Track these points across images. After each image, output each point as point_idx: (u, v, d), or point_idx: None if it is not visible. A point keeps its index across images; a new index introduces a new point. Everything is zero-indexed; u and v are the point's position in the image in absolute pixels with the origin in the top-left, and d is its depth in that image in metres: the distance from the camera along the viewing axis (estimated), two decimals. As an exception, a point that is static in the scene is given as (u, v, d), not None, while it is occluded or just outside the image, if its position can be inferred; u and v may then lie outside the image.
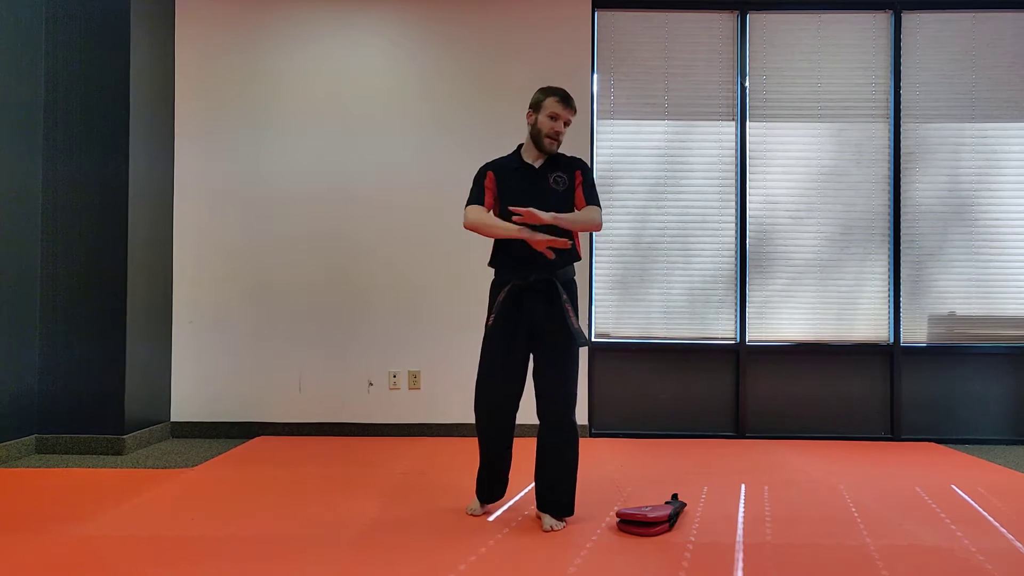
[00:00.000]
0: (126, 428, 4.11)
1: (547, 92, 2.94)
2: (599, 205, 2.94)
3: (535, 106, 2.94)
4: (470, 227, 2.91)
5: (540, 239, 2.74)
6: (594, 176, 4.63)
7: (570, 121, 2.94)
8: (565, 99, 2.91)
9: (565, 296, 2.83)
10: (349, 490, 3.32)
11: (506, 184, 2.94)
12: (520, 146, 3.01)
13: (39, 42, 4.07)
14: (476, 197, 2.95)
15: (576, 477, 2.85)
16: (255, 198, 4.63)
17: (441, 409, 4.59)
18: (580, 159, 3.03)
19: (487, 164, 3.03)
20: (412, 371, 4.62)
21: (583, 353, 4.56)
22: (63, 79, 4.09)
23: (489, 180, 2.97)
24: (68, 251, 4.10)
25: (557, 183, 2.91)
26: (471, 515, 2.96)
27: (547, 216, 2.73)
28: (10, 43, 3.88)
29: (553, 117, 2.90)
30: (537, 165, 2.95)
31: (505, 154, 3.08)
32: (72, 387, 4.08)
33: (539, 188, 2.90)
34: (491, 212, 2.97)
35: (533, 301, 2.84)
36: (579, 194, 2.93)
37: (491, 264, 2.97)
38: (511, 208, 2.78)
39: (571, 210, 2.93)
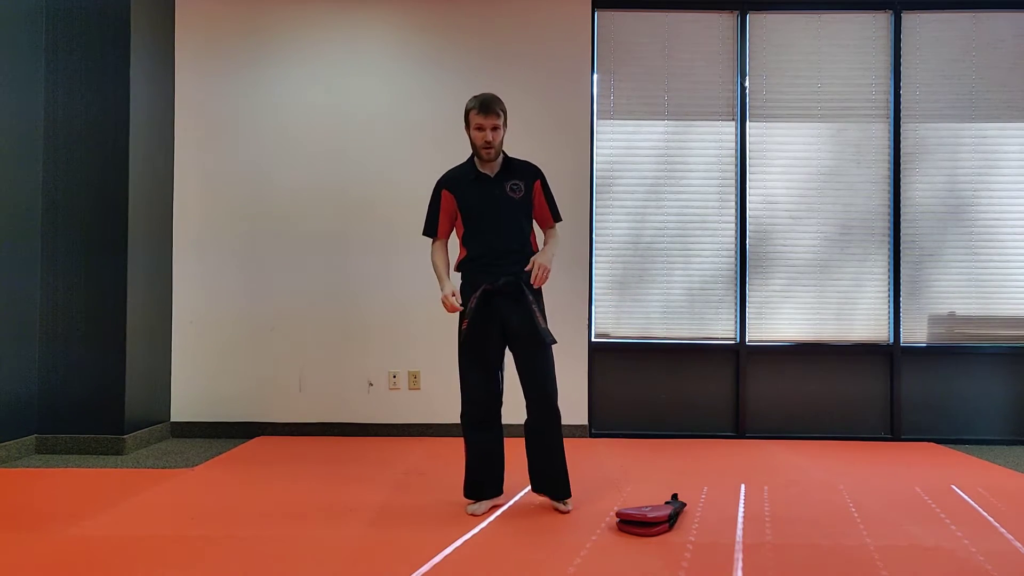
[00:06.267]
0: (126, 428, 4.11)
1: (469, 104, 3.01)
2: (560, 217, 3.17)
3: (464, 120, 3.04)
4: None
5: (449, 304, 2.94)
6: (594, 176, 4.67)
7: (498, 125, 2.97)
8: (482, 106, 2.96)
9: (532, 298, 2.97)
10: (349, 490, 3.32)
11: (464, 196, 3.06)
12: (472, 155, 3.10)
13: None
14: (431, 227, 3.13)
15: (565, 458, 3.04)
16: (256, 197, 4.62)
17: (441, 409, 4.59)
18: (535, 167, 3.15)
19: (441, 181, 3.12)
20: (412, 371, 4.62)
21: (583, 353, 4.58)
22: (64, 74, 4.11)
23: (445, 200, 3.08)
24: (68, 251, 4.10)
25: (513, 191, 3.04)
26: (472, 515, 2.97)
27: (549, 267, 2.96)
28: None
29: (479, 128, 2.98)
30: (492, 174, 3.05)
31: (463, 163, 3.15)
32: (72, 387, 4.08)
33: (496, 197, 3.03)
34: (445, 242, 3.14)
35: (502, 303, 2.98)
36: (544, 210, 3.13)
37: (458, 269, 3.11)
38: (533, 279, 2.91)
39: (529, 216, 3.09)
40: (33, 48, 4.03)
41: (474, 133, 2.99)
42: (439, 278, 3.07)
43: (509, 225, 3.01)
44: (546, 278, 2.95)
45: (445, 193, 3.08)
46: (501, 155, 3.06)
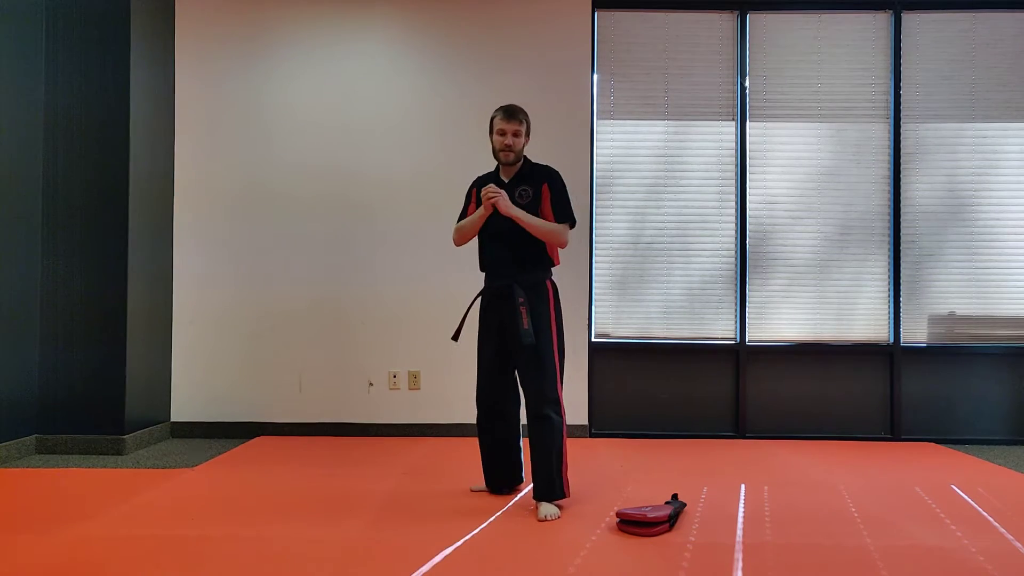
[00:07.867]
0: (126, 428, 4.10)
1: (496, 111, 3.14)
2: (571, 220, 3.13)
3: (489, 127, 3.15)
4: (456, 241, 3.22)
5: (486, 195, 3.01)
6: (594, 176, 4.66)
7: (519, 131, 3.08)
8: (506, 113, 3.09)
9: (522, 299, 2.99)
10: (349, 490, 3.32)
11: (479, 198, 3.17)
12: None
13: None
14: (462, 218, 3.25)
15: (560, 463, 2.99)
16: (256, 197, 4.62)
17: (441, 409, 4.59)
18: (551, 170, 3.19)
19: (475, 180, 3.29)
20: (412, 371, 4.62)
21: (583, 353, 4.58)
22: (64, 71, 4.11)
23: (473, 198, 3.23)
24: (68, 251, 4.09)
25: (522, 196, 3.11)
26: (474, 491, 3.25)
27: (512, 212, 3.00)
28: None
29: (500, 133, 3.09)
30: (507, 180, 3.15)
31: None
32: (72, 387, 4.08)
33: None
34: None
35: (499, 305, 3.08)
36: (547, 210, 3.11)
37: (480, 269, 3.25)
38: (483, 189, 3.04)
39: None
40: (34, 46, 4.03)
41: (496, 137, 3.10)
42: (468, 224, 3.13)
43: (513, 230, 3.05)
44: (491, 199, 2.98)
45: (473, 191, 3.24)
46: (521, 162, 3.15)
